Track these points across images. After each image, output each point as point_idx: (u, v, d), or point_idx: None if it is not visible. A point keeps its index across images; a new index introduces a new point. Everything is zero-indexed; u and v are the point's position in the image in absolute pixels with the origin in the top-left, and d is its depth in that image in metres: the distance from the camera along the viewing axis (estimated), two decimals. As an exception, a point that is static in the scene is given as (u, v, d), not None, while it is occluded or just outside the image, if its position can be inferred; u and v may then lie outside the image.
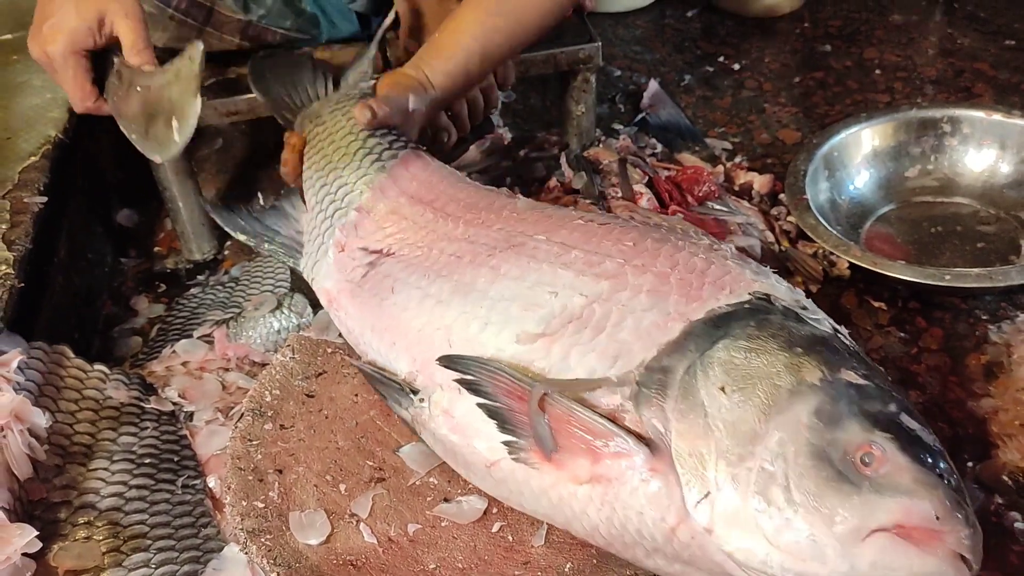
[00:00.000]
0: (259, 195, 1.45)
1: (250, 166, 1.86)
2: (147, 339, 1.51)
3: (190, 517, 1.15)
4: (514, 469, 0.85)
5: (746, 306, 0.86)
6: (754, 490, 0.74)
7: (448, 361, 0.90)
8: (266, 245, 1.23)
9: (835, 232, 1.48)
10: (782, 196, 1.63)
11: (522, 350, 0.89)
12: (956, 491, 0.75)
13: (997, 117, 1.61)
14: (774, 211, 1.61)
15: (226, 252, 1.67)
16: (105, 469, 1.17)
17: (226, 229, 1.29)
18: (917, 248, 1.56)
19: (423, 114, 1.31)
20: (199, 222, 1.61)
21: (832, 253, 1.45)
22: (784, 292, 0.90)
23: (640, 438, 0.79)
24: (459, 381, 0.88)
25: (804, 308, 0.88)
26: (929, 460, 0.75)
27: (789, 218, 1.57)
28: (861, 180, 1.64)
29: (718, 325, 0.84)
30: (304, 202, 1.24)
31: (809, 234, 1.48)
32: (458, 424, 0.90)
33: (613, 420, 0.81)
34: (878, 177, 1.65)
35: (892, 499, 0.73)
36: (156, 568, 1.08)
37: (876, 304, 1.47)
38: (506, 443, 0.84)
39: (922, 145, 1.65)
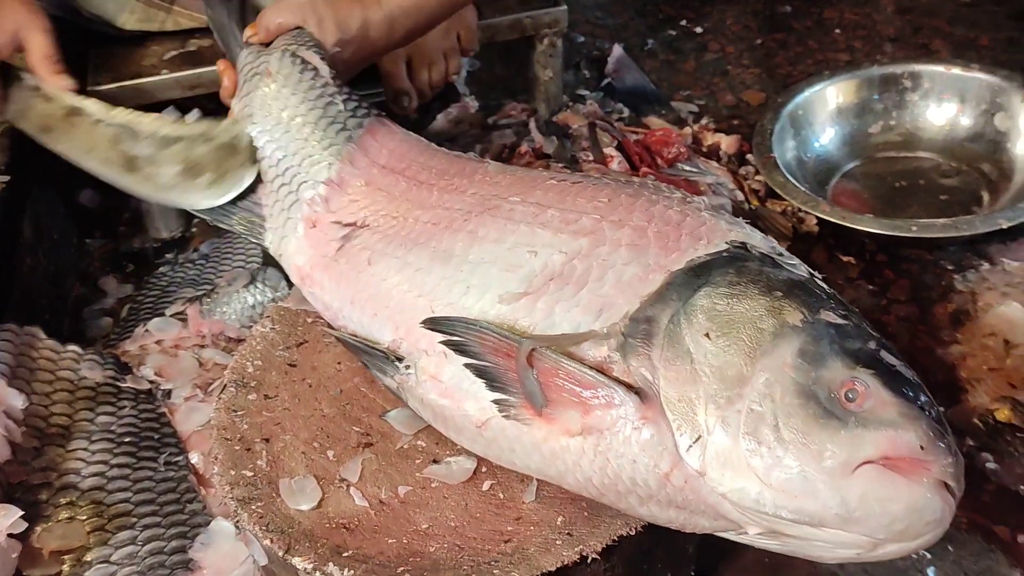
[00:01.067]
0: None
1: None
2: (118, 319, 1.49)
3: (175, 493, 1.14)
4: (505, 427, 0.85)
5: (724, 255, 0.87)
6: (744, 431, 0.75)
7: (433, 323, 0.90)
8: (230, 220, 1.15)
9: (804, 189, 1.50)
10: (749, 156, 1.65)
11: (506, 310, 0.89)
12: (938, 422, 0.77)
13: (956, 71, 1.64)
14: (742, 171, 1.63)
15: (194, 230, 1.65)
16: (84, 449, 1.16)
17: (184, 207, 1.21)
18: (883, 202, 1.59)
19: (344, 59, 1.23)
20: (165, 200, 1.58)
21: (801, 210, 1.48)
22: (759, 240, 0.91)
23: (629, 388, 0.80)
24: (445, 343, 0.88)
25: (780, 255, 0.89)
26: (910, 393, 0.77)
27: (757, 177, 1.59)
28: (826, 137, 1.66)
29: (698, 274, 0.84)
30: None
31: (778, 192, 1.50)
32: (446, 388, 0.90)
33: (601, 371, 0.82)
34: (843, 134, 1.67)
35: (877, 432, 0.74)
36: (143, 545, 1.07)
37: (845, 258, 1.49)
38: (496, 401, 0.84)
39: (884, 101, 1.68)
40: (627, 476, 0.80)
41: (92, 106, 1.21)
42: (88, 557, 1.05)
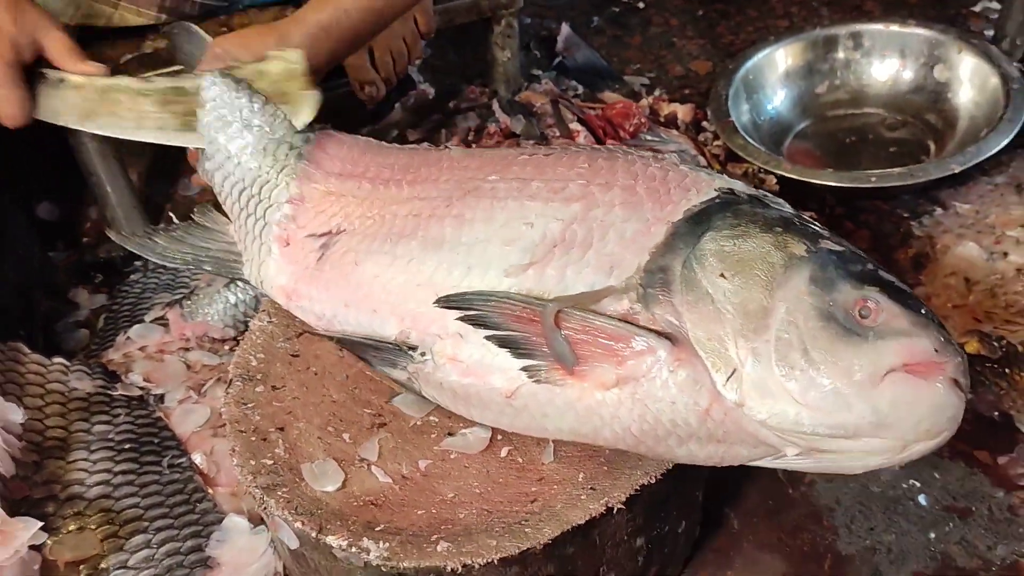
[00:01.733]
0: (170, 215, 1.42)
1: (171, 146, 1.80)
2: (95, 330, 1.47)
3: (183, 495, 1.14)
4: (536, 392, 0.87)
5: (717, 201, 0.91)
6: (775, 359, 0.80)
7: (447, 302, 0.90)
8: (205, 265, 1.15)
9: (763, 150, 1.55)
10: (705, 123, 1.69)
11: (514, 282, 0.91)
12: (941, 327, 0.83)
13: (895, 28, 1.71)
14: (700, 137, 1.68)
15: (162, 235, 1.62)
16: (85, 459, 1.15)
17: (154, 259, 1.18)
18: (835, 159, 1.65)
19: None
20: (130, 206, 1.56)
21: (762, 170, 1.53)
22: (741, 186, 0.96)
23: (659, 334, 0.83)
24: (463, 319, 0.89)
25: (765, 195, 0.95)
26: (915, 304, 0.83)
27: (716, 143, 1.64)
28: (778, 99, 1.72)
29: (699, 221, 0.88)
30: (223, 213, 1.17)
31: (740, 154, 1.54)
32: (469, 366, 0.90)
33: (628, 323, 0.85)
34: (793, 96, 1.73)
35: (896, 341, 0.80)
36: (159, 547, 1.07)
37: (806, 214, 1.54)
38: (524, 368, 0.86)
39: (829, 61, 1.74)
40: (667, 419, 0.83)
41: (125, 80, 1.19)
42: (104, 564, 1.05)
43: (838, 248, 0.86)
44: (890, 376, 0.79)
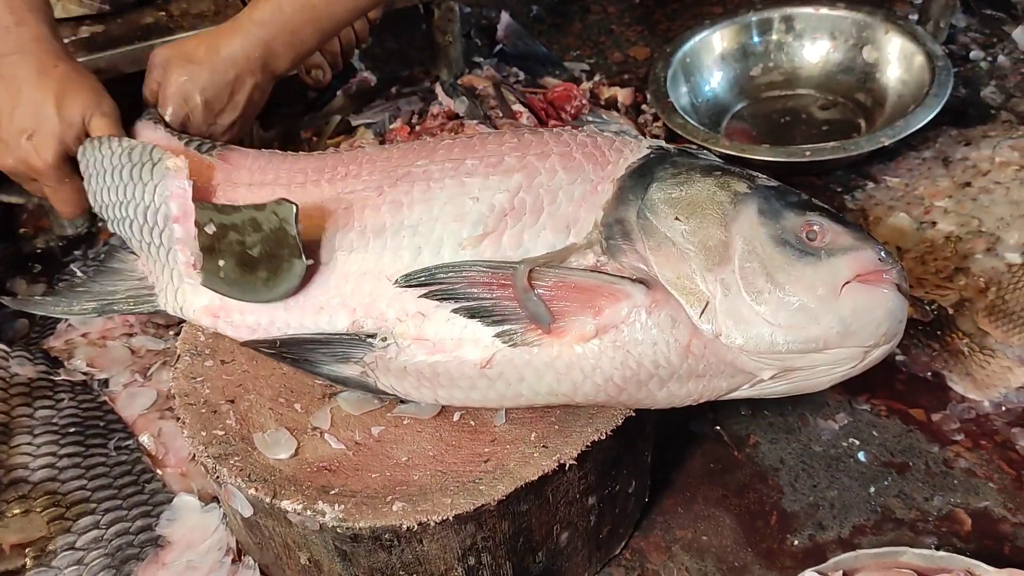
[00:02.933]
0: (74, 269, 1.46)
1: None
2: (34, 319, 1.44)
3: (131, 476, 1.13)
4: (512, 357, 0.88)
5: (652, 156, 0.95)
6: (743, 286, 0.84)
7: (409, 280, 0.89)
8: (116, 308, 1.11)
9: (702, 129, 1.58)
10: (645, 106, 1.73)
11: (473, 253, 0.91)
12: (877, 240, 0.89)
13: (824, 11, 1.76)
14: (640, 119, 1.71)
15: (100, 224, 1.60)
16: (29, 444, 1.13)
17: (61, 317, 1.19)
18: (771, 138, 1.69)
19: (248, 94, 1.22)
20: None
21: (702, 147, 1.55)
22: (667, 145, 1.00)
23: (631, 280, 0.86)
24: (428, 295, 0.88)
25: (695, 149, 1.00)
26: (852, 223, 0.90)
27: (656, 124, 1.67)
28: (715, 81, 1.76)
29: (642, 175, 0.92)
30: (128, 251, 1.15)
31: (679, 132, 1.58)
32: (436, 343, 0.90)
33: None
34: (729, 77, 1.77)
35: (845, 255, 0.86)
36: (107, 528, 1.06)
37: (745, 190, 1.59)
38: (498, 335, 0.87)
39: (763, 44, 1.78)
40: (649, 360, 0.86)
41: None
42: (51, 547, 1.04)
43: (773, 184, 0.92)
44: (847, 287, 0.85)
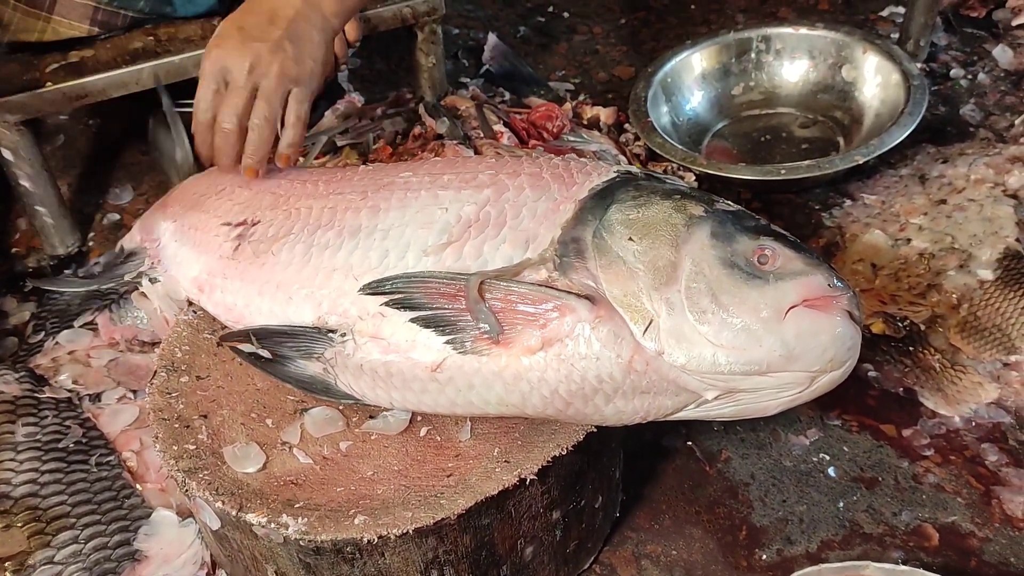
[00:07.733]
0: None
1: (100, 158, 1.81)
2: (23, 338, 1.46)
3: (111, 491, 1.15)
4: (461, 364, 0.90)
5: (617, 180, 0.98)
6: (688, 306, 0.86)
7: (371, 288, 0.94)
8: (125, 277, 1.26)
9: (681, 148, 1.61)
10: (627, 125, 1.75)
11: (434, 260, 0.95)
12: (831, 268, 0.90)
13: (803, 31, 1.79)
14: (622, 139, 1.73)
15: (91, 243, 1.63)
16: (12, 460, 1.15)
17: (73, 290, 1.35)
18: (751, 156, 1.72)
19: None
20: (59, 215, 1.57)
21: (681, 166, 1.58)
22: (637, 170, 1.03)
23: (578, 296, 0.88)
24: (388, 304, 0.92)
25: (662, 173, 1.03)
26: (806, 249, 0.91)
27: (638, 143, 1.69)
28: (696, 101, 1.79)
29: (604, 196, 0.95)
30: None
31: (659, 152, 1.60)
32: (391, 344, 0.93)
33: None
34: (710, 97, 1.80)
35: (794, 280, 0.87)
36: (86, 543, 1.08)
37: (723, 208, 1.61)
38: (449, 341, 0.90)
39: (743, 64, 1.81)
40: (593, 375, 0.87)
41: None
42: (30, 561, 1.06)
43: (732, 208, 0.94)
44: (793, 311, 0.86)
